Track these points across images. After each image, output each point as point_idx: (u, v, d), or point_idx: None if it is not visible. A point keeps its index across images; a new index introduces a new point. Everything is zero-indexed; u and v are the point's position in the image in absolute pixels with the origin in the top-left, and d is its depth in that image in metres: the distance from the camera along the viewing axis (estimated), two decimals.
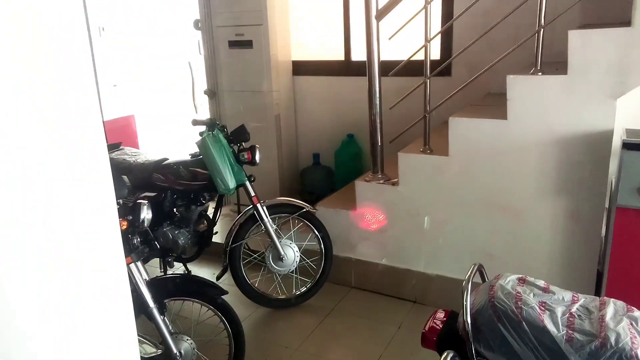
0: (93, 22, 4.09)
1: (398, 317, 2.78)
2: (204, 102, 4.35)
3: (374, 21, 2.81)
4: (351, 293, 3.05)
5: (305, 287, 2.96)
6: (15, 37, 0.79)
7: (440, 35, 3.27)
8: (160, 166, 2.81)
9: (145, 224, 2.03)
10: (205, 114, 4.29)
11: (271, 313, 2.91)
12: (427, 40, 2.71)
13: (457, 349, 1.46)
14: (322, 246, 2.91)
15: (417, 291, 2.90)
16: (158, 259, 2.83)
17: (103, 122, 1.00)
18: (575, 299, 1.41)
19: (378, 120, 2.89)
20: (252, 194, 2.75)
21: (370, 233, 2.95)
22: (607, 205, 2.34)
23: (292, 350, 2.56)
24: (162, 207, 2.76)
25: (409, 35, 2.97)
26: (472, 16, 2.69)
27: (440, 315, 1.60)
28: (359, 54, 3.85)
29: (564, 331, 1.30)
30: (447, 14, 3.41)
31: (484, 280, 1.63)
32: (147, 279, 2.05)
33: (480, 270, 1.59)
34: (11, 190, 0.81)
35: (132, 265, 1.98)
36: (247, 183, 2.74)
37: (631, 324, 1.27)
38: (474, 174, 2.57)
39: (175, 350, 2.02)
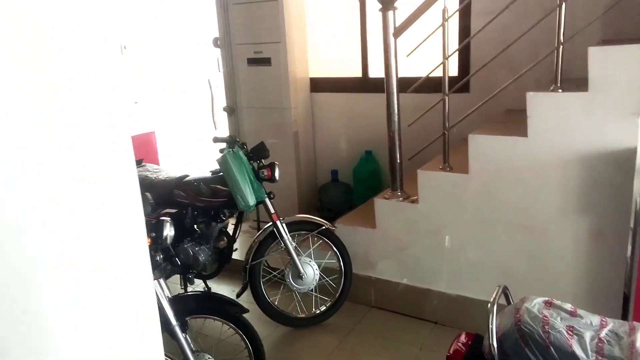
0: (115, 40, 4.19)
1: (419, 338, 2.75)
2: (223, 119, 4.41)
3: (391, 38, 2.83)
4: (371, 312, 3.03)
5: (325, 305, 2.95)
6: (49, 58, 0.82)
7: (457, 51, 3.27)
8: (181, 183, 2.85)
9: (168, 241, 2.06)
10: (224, 130, 4.35)
11: (291, 332, 2.91)
12: (445, 57, 2.72)
13: None
14: (342, 264, 2.90)
15: (439, 312, 2.86)
16: (178, 275, 2.85)
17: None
18: (604, 323, 1.39)
19: (397, 137, 2.89)
20: (272, 211, 2.77)
21: (390, 251, 2.94)
22: (632, 225, 2.30)
23: None
24: (183, 224, 2.79)
25: (425, 51, 2.98)
26: (490, 32, 2.69)
27: (464, 338, 1.58)
28: (376, 71, 3.87)
29: (593, 357, 1.27)
30: (465, 29, 3.42)
31: (508, 302, 1.62)
32: (169, 296, 2.07)
33: (505, 292, 1.58)
34: (54, 208, 0.84)
35: (155, 282, 2.00)
36: (267, 200, 2.76)
37: None
38: (495, 192, 2.55)
39: None
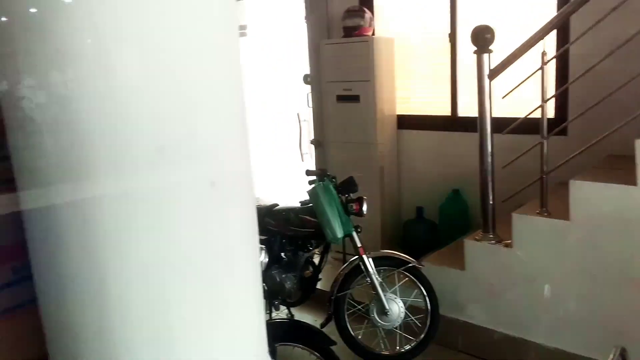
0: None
1: None
2: (310, 151, 4.56)
3: (486, 80, 2.82)
4: (458, 358, 2.92)
5: (410, 345, 2.88)
6: None
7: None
8: (271, 211, 2.96)
9: (262, 267, 2.14)
10: (310, 162, 4.49)
11: None
12: (544, 100, 2.67)
13: None
14: (428, 304, 2.84)
15: None
16: (265, 301, 2.93)
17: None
18: None
19: (489, 178, 2.84)
20: (359, 244, 2.79)
21: (480, 295, 2.84)
22: None
23: None
24: (272, 251, 2.88)
25: (521, 91, 2.94)
26: (590, 72, 2.60)
27: None
28: (465, 110, 3.85)
29: None
30: (563, 69, 3.33)
31: None
32: None
33: (623, 354, 1.47)
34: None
35: None
36: (354, 234, 2.79)
37: None
38: (600, 243, 2.41)
39: None
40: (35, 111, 0.84)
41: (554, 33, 3.06)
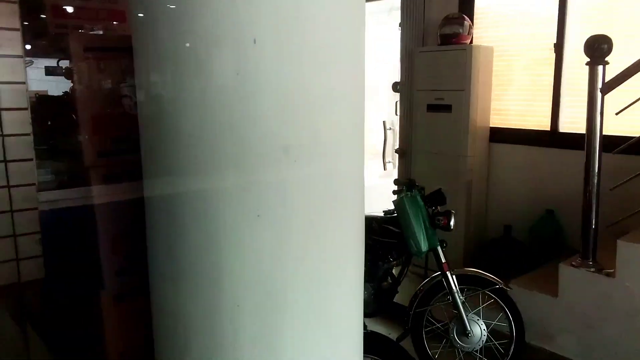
0: None
1: None
2: (394, 160, 4.49)
3: (598, 94, 2.61)
4: None
5: None
6: None
7: None
8: None
9: None
10: (393, 171, 4.41)
11: None
12: None
13: None
14: (514, 329, 2.67)
15: None
16: None
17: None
18: None
19: (594, 201, 2.61)
20: (443, 260, 2.68)
21: (574, 326, 2.62)
22: None
23: None
24: None
25: (636, 109, 2.68)
26: None
27: None
28: (567, 125, 3.59)
29: None
30: None
31: None
32: None
33: None
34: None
35: None
36: (439, 248, 2.69)
37: None
38: None
39: None
40: (169, 108, 0.89)
41: None
